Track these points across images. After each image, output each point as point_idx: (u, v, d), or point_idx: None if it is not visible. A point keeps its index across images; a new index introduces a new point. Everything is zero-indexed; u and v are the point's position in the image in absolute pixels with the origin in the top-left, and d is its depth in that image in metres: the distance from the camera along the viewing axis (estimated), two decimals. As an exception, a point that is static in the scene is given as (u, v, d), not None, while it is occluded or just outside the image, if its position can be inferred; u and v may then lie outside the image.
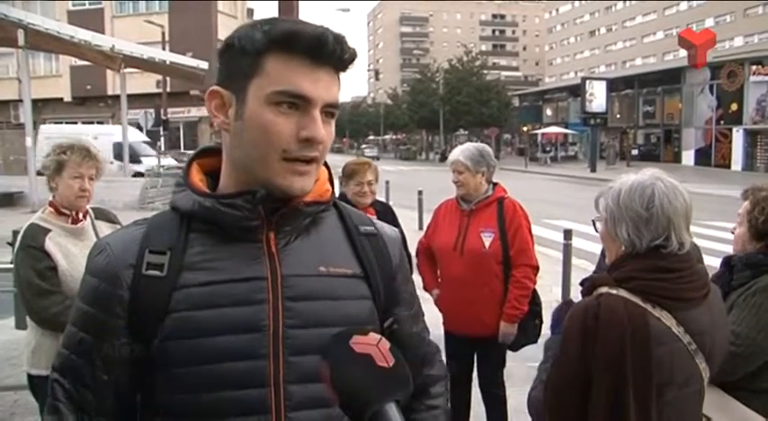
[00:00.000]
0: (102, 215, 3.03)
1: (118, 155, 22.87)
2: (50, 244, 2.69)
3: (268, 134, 1.10)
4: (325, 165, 1.28)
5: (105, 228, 2.90)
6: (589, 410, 1.68)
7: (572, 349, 1.73)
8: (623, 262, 1.81)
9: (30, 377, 2.82)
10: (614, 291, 1.74)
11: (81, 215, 2.84)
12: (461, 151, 3.64)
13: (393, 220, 3.84)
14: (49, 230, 2.72)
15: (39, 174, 15.89)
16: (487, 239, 3.52)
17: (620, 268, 1.80)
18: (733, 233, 2.56)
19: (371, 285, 1.24)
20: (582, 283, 1.89)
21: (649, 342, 1.66)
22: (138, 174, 21.87)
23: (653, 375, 1.66)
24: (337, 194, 3.71)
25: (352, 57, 1.14)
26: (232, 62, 1.13)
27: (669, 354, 1.69)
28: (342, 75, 1.16)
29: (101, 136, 23.13)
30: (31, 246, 2.67)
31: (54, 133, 24.22)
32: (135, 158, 23.91)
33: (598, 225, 1.93)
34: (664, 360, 1.68)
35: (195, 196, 1.17)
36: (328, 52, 1.10)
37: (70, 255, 2.70)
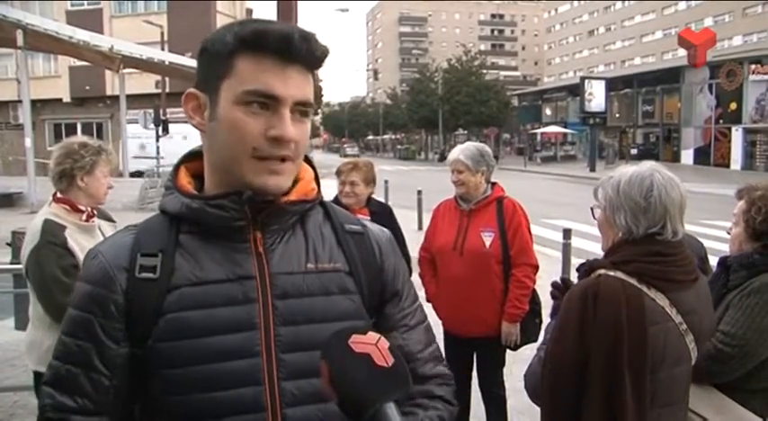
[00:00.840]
0: (102, 214, 3.08)
1: None
2: (70, 241, 2.72)
3: (238, 133, 1.11)
4: (311, 164, 1.29)
5: (106, 227, 2.98)
6: (586, 387, 1.74)
7: (571, 327, 1.80)
8: (620, 247, 1.90)
9: (38, 375, 2.81)
10: (612, 273, 1.83)
11: (93, 211, 2.91)
12: (461, 150, 3.64)
13: (390, 221, 3.83)
14: (65, 227, 2.75)
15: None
16: (488, 239, 3.51)
17: (616, 253, 1.90)
18: (729, 233, 2.55)
19: (356, 281, 1.25)
20: (579, 268, 1.96)
21: (645, 321, 1.75)
22: None
23: (648, 353, 1.74)
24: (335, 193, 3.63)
25: (323, 54, 1.15)
26: (206, 64, 1.16)
27: (662, 333, 1.78)
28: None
29: (190, 136, 22.69)
30: (54, 243, 2.69)
31: (142, 133, 24.02)
32: None
33: (596, 212, 2.02)
34: (657, 339, 1.77)
35: (183, 198, 1.19)
36: (295, 50, 1.10)
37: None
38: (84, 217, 2.84)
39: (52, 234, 2.70)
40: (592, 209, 2.05)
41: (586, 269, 1.92)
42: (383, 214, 3.92)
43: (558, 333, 1.86)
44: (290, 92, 1.11)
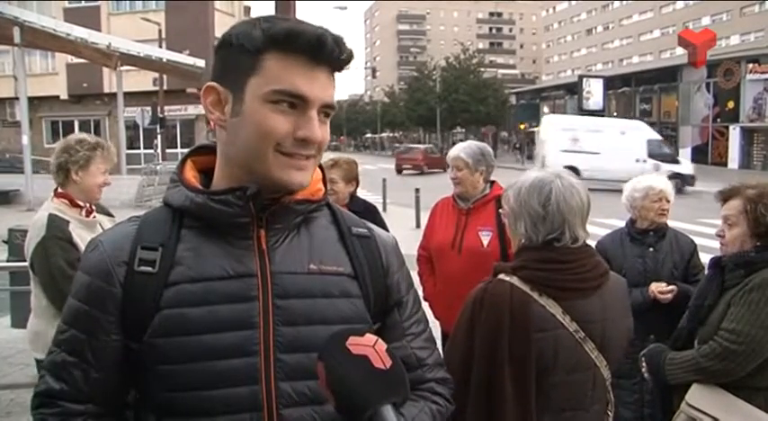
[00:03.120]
0: (102, 209, 3.14)
1: (652, 152, 21.23)
2: (75, 236, 2.78)
3: (265, 131, 1.10)
4: (319, 165, 1.28)
5: (107, 222, 3.03)
6: (471, 387, 1.78)
7: (462, 328, 1.85)
8: (520, 252, 1.93)
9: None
10: (507, 278, 1.85)
11: (92, 207, 2.97)
12: (463, 148, 3.62)
13: (375, 222, 3.77)
14: (68, 222, 2.81)
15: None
16: (486, 238, 3.50)
17: (517, 258, 1.94)
18: (720, 236, 2.53)
19: (361, 285, 1.24)
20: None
21: (528, 326, 1.77)
22: (676, 176, 17.83)
23: (531, 358, 1.76)
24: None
25: (349, 57, 1.15)
26: (229, 59, 1.14)
27: (552, 340, 1.79)
28: (339, 73, 1.16)
29: (629, 131, 21.74)
30: (60, 237, 2.76)
31: (566, 125, 22.46)
32: (671, 158, 21.97)
33: (504, 219, 2.04)
34: (546, 345, 1.78)
35: (188, 192, 1.18)
36: (327, 52, 1.10)
37: None
38: (83, 212, 2.90)
39: (58, 228, 2.77)
40: (501, 215, 2.07)
41: (493, 272, 1.95)
42: (367, 214, 3.88)
43: (452, 333, 1.91)
44: (317, 94, 1.11)
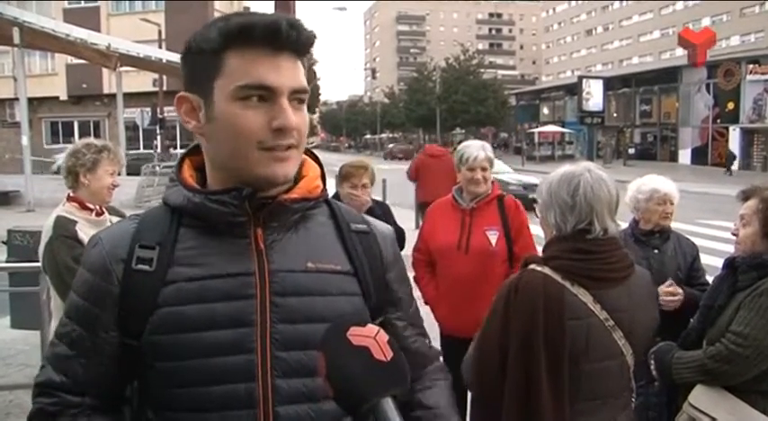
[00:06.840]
0: (114, 211, 3.23)
1: None
2: (81, 234, 2.84)
3: (240, 129, 1.10)
4: (318, 162, 1.28)
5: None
6: (507, 375, 1.86)
7: (497, 316, 1.93)
8: (551, 244, 2.00)
9: None
10: (539, 268, 1.93)
11: (102, 209, 3.05)
12: (482, 146, 3.57)
13: (387, 219, 3.79)
14: (76, 222, 2.89)
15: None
16: (493, 237, 3.45)
17: (548, 249, 2.01)
18: (734, 234, 2.53)
19: (361, 282, 1.24)
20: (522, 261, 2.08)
21: (563, 314, 1.84)
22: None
23: (565, 345, 1.83)
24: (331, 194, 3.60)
25: (310, 40, 1.14)
26: (193, 65, 1.14)
27: (584, 328, 1.86)
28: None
29: None
30: (66, 236, 2.83)
31: None
32: None
33: (537, 210, 2.11)
34: (579, 332, 1.86)
35: (185, 192, 1.19)
36: (284, 38, 1.09)
37: None
38: (93, 214, 2.99)
39: (63, 227, 2.85)
40: (534, 207, 2.15)
41: (523, 263, 2.02)
42: (382, 213, 3.88)
43: (486, 321, 1.97)
44: (284, 81, 1.11)
